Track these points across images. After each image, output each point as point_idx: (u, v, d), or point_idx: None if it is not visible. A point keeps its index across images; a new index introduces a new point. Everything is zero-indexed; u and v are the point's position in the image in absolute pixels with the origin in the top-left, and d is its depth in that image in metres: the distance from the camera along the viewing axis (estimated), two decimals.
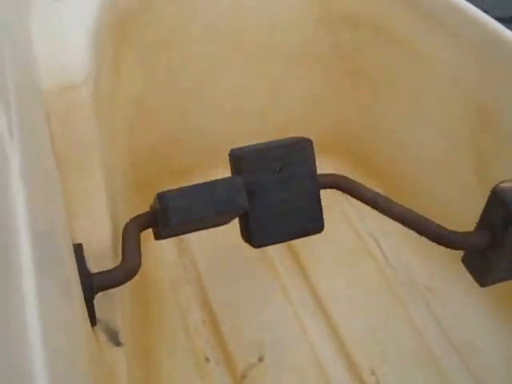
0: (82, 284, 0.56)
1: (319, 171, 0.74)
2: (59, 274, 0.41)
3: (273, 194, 0.71)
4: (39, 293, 0.29)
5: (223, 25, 0.87)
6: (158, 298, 0.93)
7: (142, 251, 0.64)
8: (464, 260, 0.74)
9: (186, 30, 0.85)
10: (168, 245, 0.99)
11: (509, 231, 0.67)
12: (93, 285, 0.58)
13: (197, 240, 0.99)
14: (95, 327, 0.60)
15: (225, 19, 0.86)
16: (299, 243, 0.88)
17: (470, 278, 0.72)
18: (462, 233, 0.71)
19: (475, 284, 0.71)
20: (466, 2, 0.84)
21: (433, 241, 0.70)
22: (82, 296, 0.55)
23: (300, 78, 0.98)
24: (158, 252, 0.97)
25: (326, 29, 0.94)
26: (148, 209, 0.69)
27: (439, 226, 0.71)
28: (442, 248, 0.70)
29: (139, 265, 0.63)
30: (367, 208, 0.73)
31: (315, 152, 0.72)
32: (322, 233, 0.75)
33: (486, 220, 0.70)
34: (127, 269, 0.62)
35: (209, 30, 0.86)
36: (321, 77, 0.99)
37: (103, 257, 0.65)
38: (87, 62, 0.63)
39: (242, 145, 0.73)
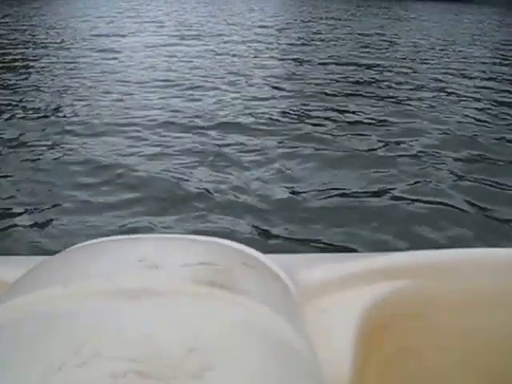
0: None
1: None
2: None
3: None
4: None
5: (451, 343, 0.94)
6: None
7: None
8: None
9: (420, 343, 0.93)
10: None
11: None
12: None
13: None
14: None
15: (453, 338, 0.94)
16: None
17: None
18: None
19: None
20: None
21: None
22: None
23: None
24: None
25: None
26: None
27: None
28: None
29: None
30: None
31: None
32: None
33: None
34: None
35: (446, 345, 0.93)
36: None
37: None
38: (348, 367, 0.74)
39: None
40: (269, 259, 0.81)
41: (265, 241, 3.34)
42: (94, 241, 0.80)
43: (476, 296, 0.92)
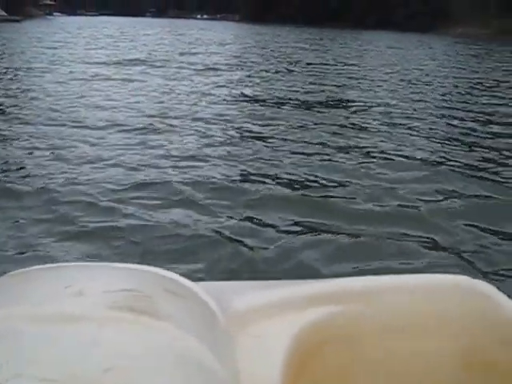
0: None
1: None
2: None
3: None
4: None
5: (382, 368, 0.93)
6: None
7: None
8: None
9: (351, 367, 0.93)
10: None
11: None
12: None
13: None
14: None
15: (383, 362, 0.94)
16: None
17: None
18: None
19: None
20: None
21: None
22: None
23: None
24: None
25: (471, 376, 0.98)
26: None
27: None
28: None
29: None
30: None
31: None
32: None
33: None
34: None
35: (373, 368, 0.94)
36: None
37: None
38: None
39: None
40: (198, 286, 0.82)
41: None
42: (23, 270, 0.81)
43: (407, 321, 0.93)
